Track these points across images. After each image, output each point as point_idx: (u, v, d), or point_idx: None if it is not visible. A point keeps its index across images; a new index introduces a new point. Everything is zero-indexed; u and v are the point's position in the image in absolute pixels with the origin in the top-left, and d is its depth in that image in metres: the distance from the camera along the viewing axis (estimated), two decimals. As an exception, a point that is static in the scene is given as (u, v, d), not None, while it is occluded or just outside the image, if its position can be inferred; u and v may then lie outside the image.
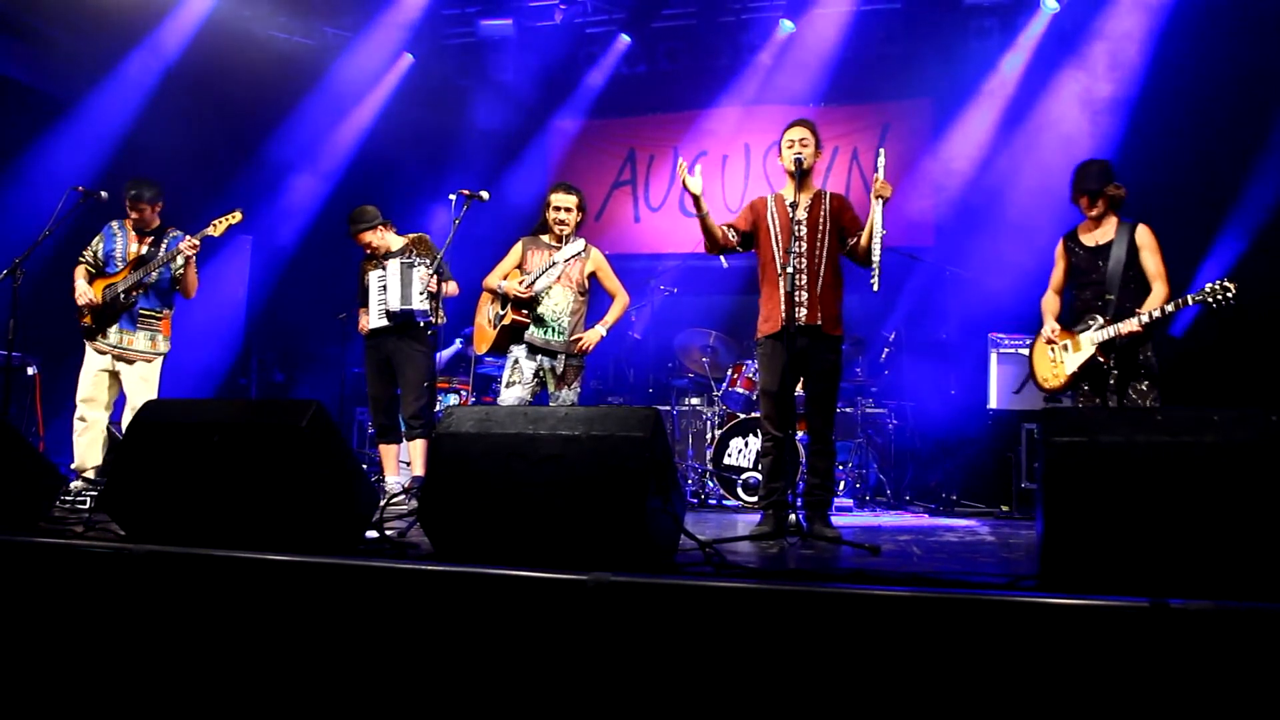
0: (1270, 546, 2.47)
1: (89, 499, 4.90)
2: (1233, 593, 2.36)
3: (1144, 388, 5.01)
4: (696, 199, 4.63)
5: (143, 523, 3.47)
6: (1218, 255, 7.41)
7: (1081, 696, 2.21)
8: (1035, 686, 2.24)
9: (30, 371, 6.86)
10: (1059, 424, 2.77)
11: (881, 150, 4.85)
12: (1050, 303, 5.43)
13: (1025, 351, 6.91)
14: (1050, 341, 5.27)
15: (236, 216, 5.95)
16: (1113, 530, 2.58)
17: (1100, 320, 5.07)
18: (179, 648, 2.90)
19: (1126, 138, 7.77)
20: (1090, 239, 5.25)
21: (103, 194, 5.81)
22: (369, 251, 6.15)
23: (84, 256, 5.90)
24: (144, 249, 5.90)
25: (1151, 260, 5.06)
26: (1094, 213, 5.22)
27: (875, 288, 4.50)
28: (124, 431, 3.75)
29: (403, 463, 6.36)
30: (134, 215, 5.90)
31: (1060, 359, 5.26)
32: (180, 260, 5.87)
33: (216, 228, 5.88)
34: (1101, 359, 5.08)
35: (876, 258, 4.49)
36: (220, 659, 2.86)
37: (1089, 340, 5.11)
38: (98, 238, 5.93)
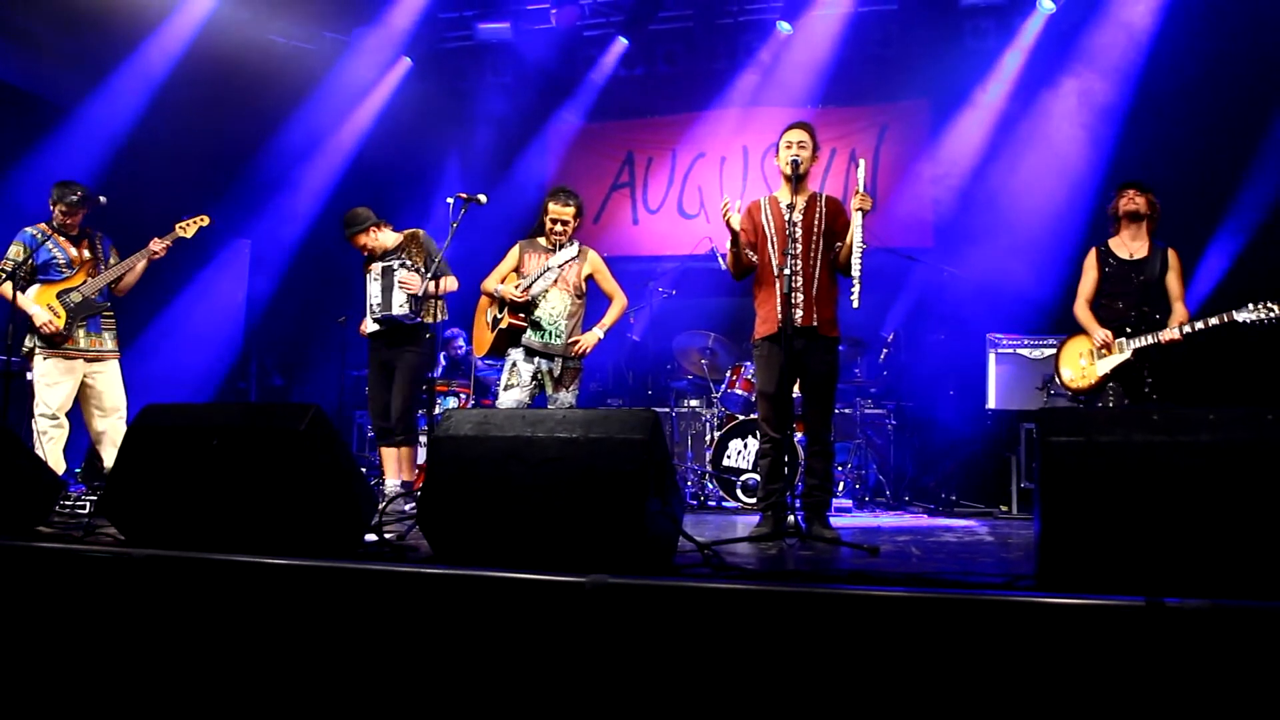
0: (1266, 545, 2.48)
1: (88, 503, 4.90)
2: (1229, 592, 2.37)
3: None
4: (735, 235, 4.65)
5: (142, 527, 3.48)
6: (1214, 254, 7.42)
7: (1078, 695, 2.21)
8: (1033, 686, 2.25)
9: (29, 376, 6.85)
10: (1056, 424, 2.77)
11: (861, 161, 4.82)
12: (1088, 312, 5.48)
13: (1025, 352, 6.95)
14: (1105, 347, 5.33)
15: (204, 220, 6.00)
16: (1110, 530, 2.59)
17: (1135, 329, 5.25)
18: (179, 652, 2.91)
19: (1123, 137, 7.79)
20: (1124, 251, 5.42)
21: (101, 199, 5.80)
22: (365, 254, 6.14)
23: (4, 269, 5.61)
24: (85, 253, 5.84)
25: (1176, 282, 5.33)
26: (1134, 206, 5.35)
27: (855, 304, 4.47)
28: (123, 435, 3.75)
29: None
30: (67, 220, 5.76)
31: (1093, 361, 5.41)
32: (141, 261, 5.84)
33: (186, 229, 5.90)
34: (1135, 365, 5.26)
35: (857, 273, 4.48)
36: (220, 663, 2.87)
37: (1127, 345, 5.27)
38: (18, 248, 5.69)
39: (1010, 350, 7.04)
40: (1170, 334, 5.12)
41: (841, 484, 7.41)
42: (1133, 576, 2.52)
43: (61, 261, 5.77)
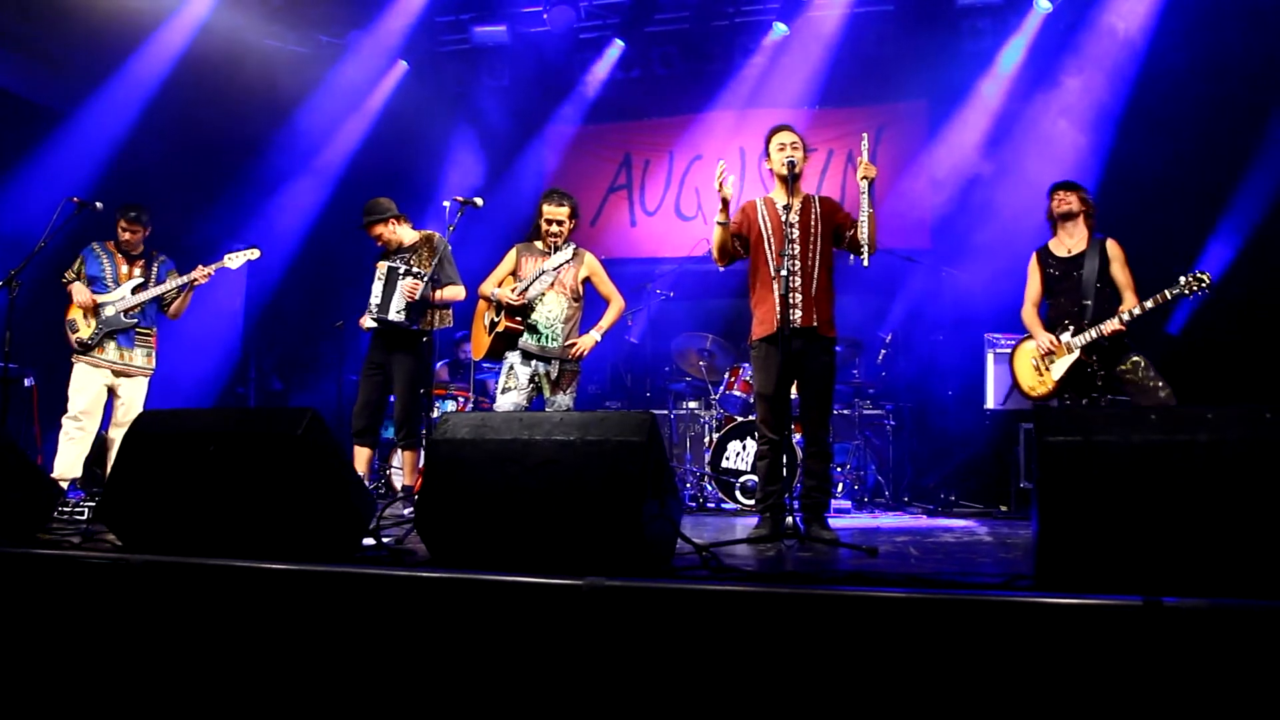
0: (1265, 544, 2.47)
1: (87, 510, 4.89)
2: (1228, 591, 2.37)
3: (1131, 364, 5.27)
4: (725, 205, 4.68)
5: (140, 533, 3.47)
6: (1212, 253, 7.41)
7: (1077, 695, 2.21)
8: (1032, 686, 2.25)
9: (28, 383, 6.86)
10: (1054, 423, 2.77)
11: (865, 135, 5.00)
12: (1033, 316, 5.65)
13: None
14: (1049, 353, 5.47)
15: (255, 253, 6.22)
16: (1108, 529, 2.59)
17: (1078, 325, 5.36)
18: (177, 658, 2.90)
19: (1120, 135, 7.78)
20: (1062, 250, 5.56)
21: (98, 205, 5.84)
22: (380, 245, 6.09)
23: (69, 277, 6.02)
24: (135, 271, 6.06)
25: (1121, 272, 5.38)
26: (1066, 206, 5.50)
27: (865, 263, 4.59)
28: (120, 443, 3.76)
29: (395, 468, 6.34)
30: (127, 236, 6.03)
31: (1046, 365, 5.52)
32: (182, 285, 6.06)
33: (233, 260, 6.12)
34: (1085, 360, 5.36)
35: (864, 235, 4.56)
36: (218, 668, 2.86)
37: (1074, 344, 5.37)
38: (78, 260, 6.05)
39: (1008, 350, 7.00)
40: (1112, 324, 5.22)
41: (840, 485, 7.40)
42: (1131, 576, 2.52)
43: (107, 276, 6.01)
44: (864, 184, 4.63)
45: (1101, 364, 5.32)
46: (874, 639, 2.37)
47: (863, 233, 4.57)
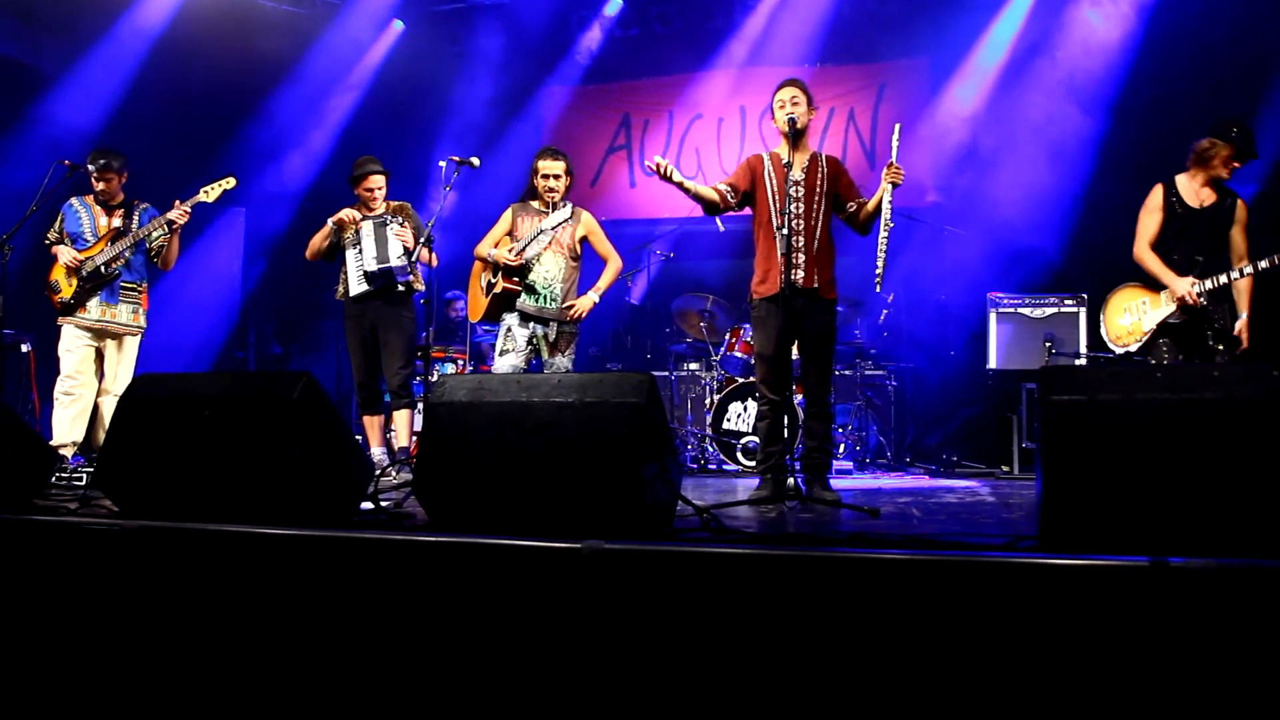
0: (1271, 503, 2.44)
1: (85, 475, 4.87)
2: (1234, 551, 2.34)
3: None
4: (681, 185, 4.53)
5: (136, 498, 3.45)
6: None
7: (1082, 656, 2.19)
8: (1036, 647, 2.23)
9: (25, 349, 6.81)
10: (1058, 382, 2.73)
11: (897, 126, 4.62)
12: (1156, 257, 4.98)
13: (1026, 311, 6.89)
14: (1183, 300, 4.87)
15: (230, 182, 5.87)
16: (1113, 489, 2.55)
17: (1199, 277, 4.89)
18: (174, 623, 2.89)
19: (1125, 91, 7.66)
20: (1194, 199, 4.99)
21: (89, 167, 5.73)
22: (364, 198, 5.97)
23: (50, 239, 5.73)
24: (115, 221, 5.76)
25: (1242, 238, 4.94)
26: (1228, 171, 4.94)
27: (878, 288, 4.38)
28: (114, 408, 3.72)
29: (390, 430, 6.33)
30: (101, 186, 5.72)
31: (1139, 314, 5.09)
32: (164, 230, 5.75)
33: (209, 193, 5.78)
34: (1200, 313, 4.91)
35: (882, 255, 4.33)
36: (215, 634, 2.85)
37: (1168, 297, 4.97)
38: (58, 219, 5.74)
39: (1011, 309, 6.98)
40: (1236, 275, 4.80)
41: (842, 446, 7.39)
42: (1136, 536, 2.49)
43: (86, 231, 5.72)
44: (889, 190, 4.38)
45: (1220, 323, 4.88)
46: (876, 601, 2.35)
47: (880, 250, 4.34)
